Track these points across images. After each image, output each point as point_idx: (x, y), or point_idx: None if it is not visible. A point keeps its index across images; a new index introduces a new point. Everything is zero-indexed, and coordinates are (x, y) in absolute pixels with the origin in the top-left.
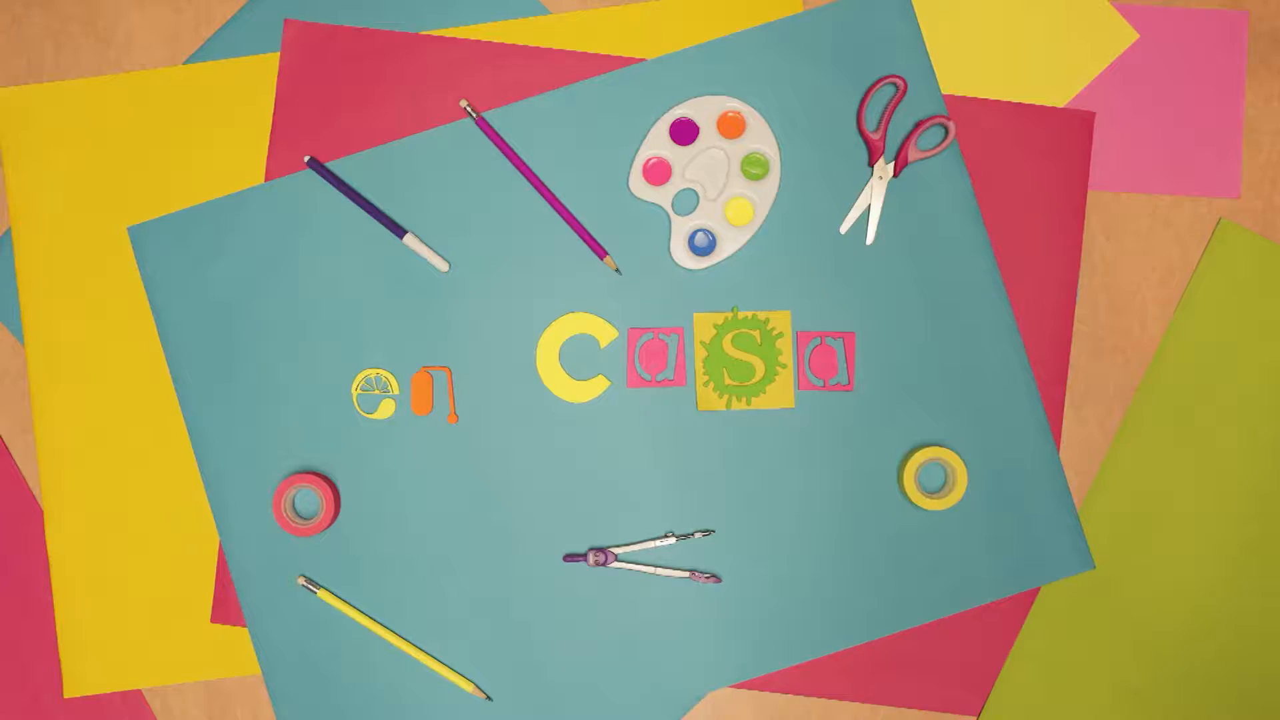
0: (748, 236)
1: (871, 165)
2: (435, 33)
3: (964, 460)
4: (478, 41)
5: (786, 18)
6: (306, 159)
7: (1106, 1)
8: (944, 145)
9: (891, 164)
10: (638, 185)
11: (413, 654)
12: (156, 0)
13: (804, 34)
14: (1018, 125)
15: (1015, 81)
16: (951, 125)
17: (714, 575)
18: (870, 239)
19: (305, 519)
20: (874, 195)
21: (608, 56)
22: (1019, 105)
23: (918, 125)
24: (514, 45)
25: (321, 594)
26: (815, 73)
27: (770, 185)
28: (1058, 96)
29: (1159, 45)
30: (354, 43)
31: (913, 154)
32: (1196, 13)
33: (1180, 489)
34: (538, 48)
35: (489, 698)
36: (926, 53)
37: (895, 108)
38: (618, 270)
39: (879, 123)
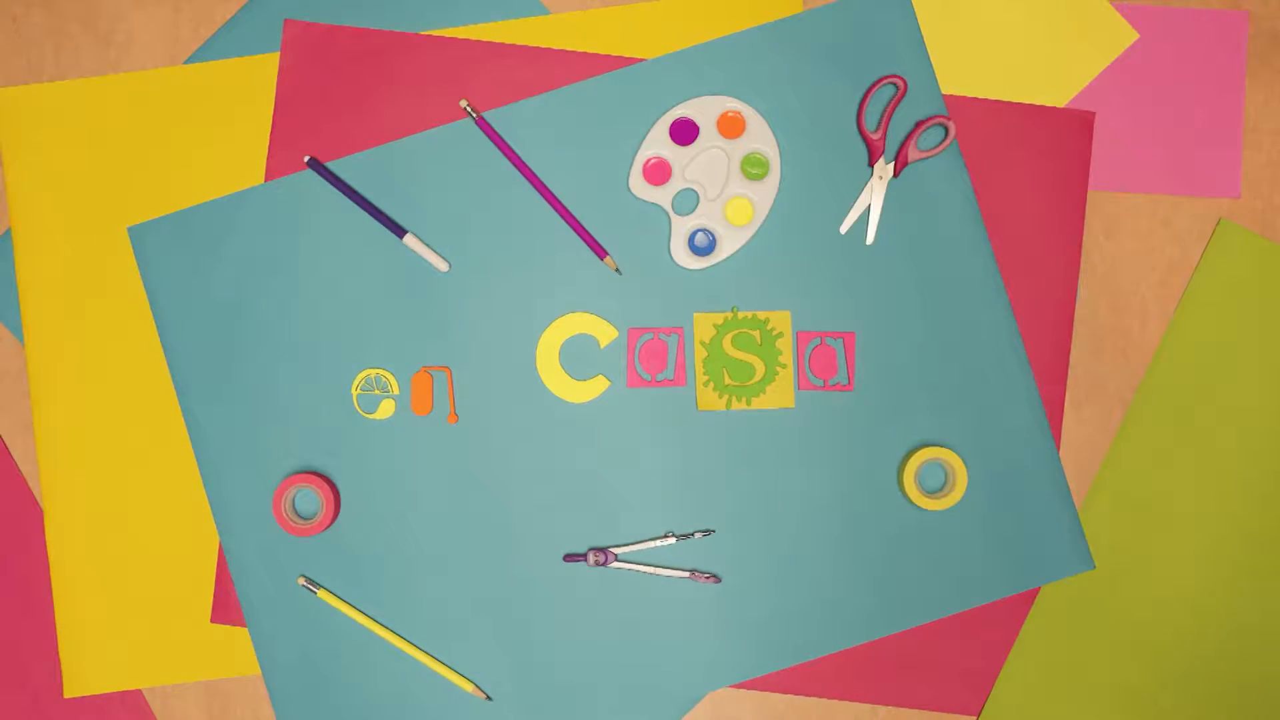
0: (748, 236)
1: (871, 165)
2: (435, 33)
3: (964, 460)
4: (478, 41)
5: (786, 18)
6: (306, 159)
7: (1106, 1)
8: (944, 145)
9: (891, 164)
10: (638, 185)
11: (413, 654)
12: (156, 0)
13: (804, 34)
14: (1018, 125)
15: (1015, 81)
16: (951, 125)
17: (714, 575)
18: (870, 239)
19: (305, 519)
20: (874, 195)
21: (608, 56)
22: (1019, 105)
23: (918, 125)
24: (514, 45)
25: (321, 594)
26: (815, 73)
27: (770, 185)
28: (1058, 96)
29: (1159, 45)
30: (354, 43)
31: (913, 154)
32: (1196, 13)
33: (1180, 489)
34: (538, 48)
35: (489, 697)
36: (926, 53)
37: (895, 108)
38: (618, 270)
39: (879, 123)
